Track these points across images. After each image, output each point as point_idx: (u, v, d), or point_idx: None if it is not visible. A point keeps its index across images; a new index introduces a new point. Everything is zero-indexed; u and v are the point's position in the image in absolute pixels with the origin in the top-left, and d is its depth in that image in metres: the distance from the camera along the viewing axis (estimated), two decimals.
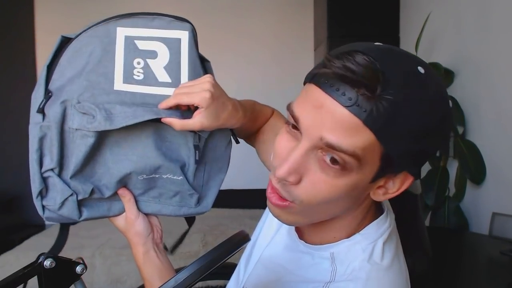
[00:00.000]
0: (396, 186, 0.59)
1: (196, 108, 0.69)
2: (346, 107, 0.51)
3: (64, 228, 0.77)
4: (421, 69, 0.53)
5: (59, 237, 0.76)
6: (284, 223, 0.63)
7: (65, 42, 0.71)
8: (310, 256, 0.67)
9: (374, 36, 2.69)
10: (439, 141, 0.56)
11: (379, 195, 0.59)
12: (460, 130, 2.03)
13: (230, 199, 2.92)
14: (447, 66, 2.15)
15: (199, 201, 0.78)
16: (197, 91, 0.67)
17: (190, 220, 0.85)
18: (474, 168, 1.92)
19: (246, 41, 3.72)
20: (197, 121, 0.68)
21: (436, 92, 0.54)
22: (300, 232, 0.71)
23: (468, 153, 1.93)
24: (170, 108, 0.69)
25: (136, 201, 0.75)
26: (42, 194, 0.69)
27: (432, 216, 2.05)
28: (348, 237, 0.65)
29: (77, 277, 0.71)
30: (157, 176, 0.73)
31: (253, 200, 2.11)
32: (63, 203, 0.69)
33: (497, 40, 1.84)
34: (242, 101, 0.79)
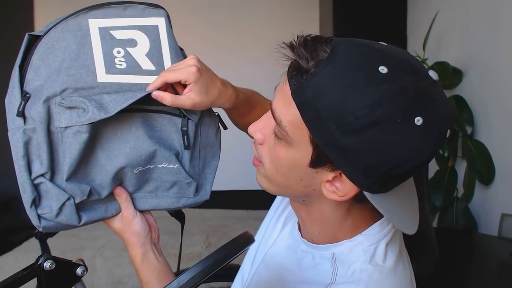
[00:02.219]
0: (345, 188, 0.57)
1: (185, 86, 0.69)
2: (288, 79, 0.56)
3: (43, 241, 0.73)
4: (383, 69, 0.52)
5: (42, 251, 0.72)
6: (259, 185, 0.67)
7: (33, 40, 0.67)
8: (311, 256, 0.67)
9: (380, 35, 2.65)
10: (380, 150, 0.52)
11: (328, 192, 0.59)
12: (469, 130, 2.01)
13: (234, 200, 2.92)
14: (455, 65, 2.13)
15: (197, 190, 0.76)
16: (182, 67, 0.68)
17: (180, 217, 0.83)
18: (483, 169, 1.90)
19: (249, 40, 3.70)
20: (188, 97, 0.68)
21: (383, 92, 0.51)
22: (303, 231, 0.71)
23: (476, 153, 1.91)
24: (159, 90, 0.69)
25: (132, 199, 0.73)
26: (36, 203, 0.65)
27: (440, 217, 2.03)
28: (350, 238, 0.64)
29: (78, 279, 0.70)
30: (152, 166, 0.71)
31: (257, 201, 2.09)
32: (60, 209, 0.66)
33: (506, 39, 1.82)
34: (238, 87, 0.78)
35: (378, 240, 0.63)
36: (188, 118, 0.72)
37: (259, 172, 0.66)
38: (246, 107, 0.79)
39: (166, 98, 0.68)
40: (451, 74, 2.06)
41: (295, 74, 0.55)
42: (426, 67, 1.92)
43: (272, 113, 0.59)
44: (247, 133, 0.89)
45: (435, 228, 1.83)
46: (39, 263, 0.66)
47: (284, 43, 0.56)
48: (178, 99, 0.68)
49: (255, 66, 3.68)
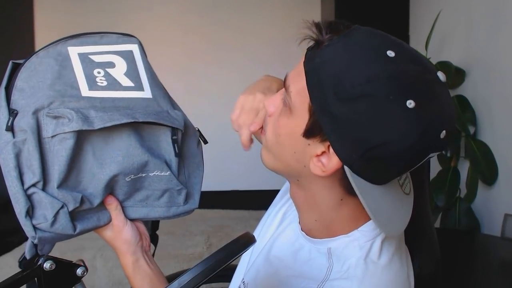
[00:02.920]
0: (329, 164, 0.58)
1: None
2: (307, 51, 0.59)
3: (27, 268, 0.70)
4: (390, 53, 0.54)
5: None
6: (262, 160, 0.70)
7: (15, 67, 0.71)
8: (307, 249, 0.68)
9: None
10: (368, 124, 0.54)
11: (314, 166, 0.60)
12: (472, 130, 2.00)
13: (235, 200, 2.91)
14: (458, 65, 2.12)
15: (187, 198, 0.78)
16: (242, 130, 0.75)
17: (154, 239, 0.83)
18: (486, 169, 1.89)
19: (251, 39, 3.69)
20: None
21: (384, 69, 0.53)
22: (301, 222, 0.71)
23: (479, 153, 1.91)
24: (153, 111, 0.73)
25: (123, 208, 0.74)
26: (29, 214, 0.66)
27: (442, 218, 2.02)
28: (346, 233, 0.64)
29: (78, 279, 0.70)
30: (144, 175, 0.73)
31: (258, 201, 2.09)
32: (55, 217, 0.66)
33: (509, 38, 1.81)
34: (260, 84, 0.81)
35: (374, 236, 0.63)
36: (177, 128, 0.75)
37: (263, 145, 0.69)
38: None
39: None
40: (454, 74, 2.06)
41: (312, 46, 0.59)
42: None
43: (285, 80, 0.63)
44: None
45: (438, 229, 1.82)
46: (39, 263, 0.66)
47: (308, 21, 0.59)
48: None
49: (258, 65, 3.68)
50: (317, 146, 0.59)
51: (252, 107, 0.76)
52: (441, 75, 0.55)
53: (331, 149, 0.57)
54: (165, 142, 0.74)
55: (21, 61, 0.71)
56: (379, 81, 0.52)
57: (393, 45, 0.56)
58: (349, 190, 0.59)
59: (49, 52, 0.71)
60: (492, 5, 1.93)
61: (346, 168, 0.57)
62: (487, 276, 1.39)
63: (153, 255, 0.81)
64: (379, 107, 0.53)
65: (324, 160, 0.59)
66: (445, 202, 1.94)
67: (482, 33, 2.03)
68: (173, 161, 0.75)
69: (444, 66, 2.05)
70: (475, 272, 1.41)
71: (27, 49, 3.58)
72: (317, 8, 3.64)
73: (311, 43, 0.59)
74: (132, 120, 0.69)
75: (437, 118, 0.54)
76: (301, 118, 0.59)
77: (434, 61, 2.14)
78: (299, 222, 0.72)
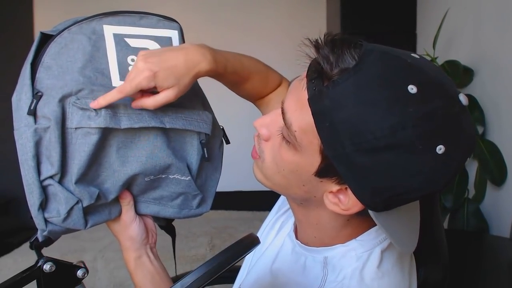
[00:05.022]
0: (348, 203, 0.55)
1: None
2: (307, 81, 0.52)
3: (39, 250, 0.69)
4: (412, 88, 0.48)
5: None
6: (255, 176, 0.65)
7: (44, 39, 0.66)
8: (303, 258, 0.66)
9: (389, 33, 2.64)
10: (393, 174, 0.49)
11: (330, 203, 0.56)
12: (480, 130, 1.99)
13: (238, 201, 2.90)
14: (466, 64, 2.10)
15: (200, 203, 0.76)
16: (134, 76, 0.63)
17: (171, 230, 0.82)
18: (495, 169, 1.87)
19: (255, 38, 3.66)
20: (165, 94, 0.64)
21: (408, 115, 0.47)
22: (299, 233, 0.70)
23: (488, 154, 1.89)
24: (170, 106, 0.67)
25: (135, 201, 0.72)
26: (42, 206, 0.63)
27: (450, 219, 2.01)
28: (344, 242, 0.62)
29: (78, 281, 0.69)
30: (163, 176, 0.70)
31: (262, 202, 2.08)
32: (68, 213, 0.63)
33: None
34: (231, 54, 0.73)
35: (373, 246, 0.61)
36: (205, 133, 0.72)
37: (257, 165, 0.64)
38: (238, 77, 0.76)
39: (148, 103, 0.64)
40: (462, 73, 2.04)
41: (316, 78, 0.51)
42: (436, 65, 1.88)
43: (283, 113, 0.56)
44: (256, 105, 0.87)
45: (446, 230, 1.80)
46: (38, 265, 0.65)
47: (308, 39, 0.53)
48: (157, 99, 0.64)
49: None
50: (332, 185, 0.55)
51: (168, 68, 0.62)
52: (463, 99, 0.50)
53: (349, 190, 0.54)
54: (189, 145, 0.72)
55: (51, 32, 0.66)
56: (405, 130, 0.47)
57: (412, 75, 0.49)
58: (359, 212, 0.56)
59: (83, 28, 0.66)
60: (501, 3, 1.91)
61: (370, 211, 0.54)
62: (496, 278, 1.37)
63: (173, 245, 0.81)
64: (406, 158, 0.48)
65: (341, 197, 0.55)
66: (453, 203, 1.92)
67: (490, 31, 2.00)
68: (194, 164, 0.72)
69: (452, 65, 2.03)
70: (484, 274, 1.39)
71: (27, 49, 3.55)
72: (322, 7, 3.61)
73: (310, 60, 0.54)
74: (160, 126, 0.66)
75: (463, 155, 0.51)
76: (311, 158, 0.54)
77: (441, 60, 2.13)
78: (295, 231, 0.71)
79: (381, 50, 0.51)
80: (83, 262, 0.71)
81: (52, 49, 0.65)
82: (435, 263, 0.75)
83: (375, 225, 0.61)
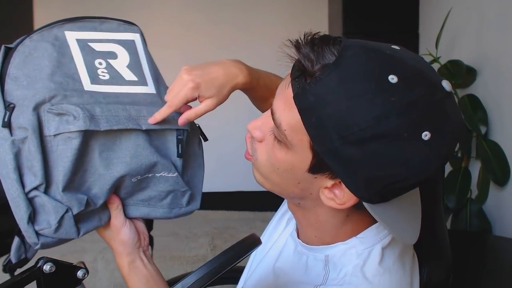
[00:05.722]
0: (344, 197, 0.56)
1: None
2: (291, 80, 0.54)
3: (12, 273, 0.68)
4: (392, 78, 0.49)
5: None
6: (255, 179, 0.66)
7: (7, 52, 0.65)
8: (305, 257, 0.66)
9: (391, 33, 2.63)
10: (383, 164, 0.50)
11: (326, 198, 0.57)
12: (483, 130, 1.98)
13: (239, 201, 2.89)
14: (469, 64, 2.09)
15: (190, 200, 0.76)
16: (179, 89, 0.69)
17: (150, 241, 0.80)
18: (498, 169, 1.87)
19: (257, 38, 3.64)
20: (205, 104, 0.71)
21: (391, 104, 0.48)
22: (300, 233, 0.70)
23: (491, 154, 1.88)
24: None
25: (123, 205, 0.71)
26: (31, 219, 0.62)
27: (453, 219, 2.00)
28: (344, 240, 0.62)
29: (78, 282, 0.69)
30: (150, 175, 0.70)
31: (264, 202, 2.08)
32: (59, 223, 0.63)
33: None
34: (260, 70, 0.80)
35: (374, 243, 0.61)
36: (182, 129, 0.73)
37: (254, 166, 0.65)
38: (268, 91, 0.79)
39: (190, 116, 0.71)
40: (465, 73, 2.04)
41: (299, 76, 0.53)
42: (439, 66, 1.86)
43: (272, 114, 0.58)
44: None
45: (448, 230, 1.80)
46: (38, 265, 0.65)
47: (289, 40, 0.54)
48: (199, 109, 0.71)
49: (263, 64, 3.65)
50: (326, 180, 0.56)
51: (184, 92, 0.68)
52: (446, 85, 0.51)
53: (343, 184, 0.54)
54: (171, 142, 0.72)
55: (12, 45, 0.66)
56: (389, 119, 0.48)
57: (392, 65, 0.51)
58: (356, 207, 0.57)
59: (44, 35, 0.66)
60: (504, 2, 1.90)
61: (365, 203, 0.55)
62: (499, 278, 1.37)
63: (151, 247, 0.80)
64: (393, 146, 0.49)
65: (337, 191, 0.56)
66: (455, 203, 1.92)
67: (494, 31, 2.00)
68: (178, 161, 0.73)
69: (455, 65, 2.03)
70: (486, 274, 1.39)
71: None
72: (324, 7, 3.60)
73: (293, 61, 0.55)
74: (137, 128, 0.66)
75: (452, 139, 0.52)
76: (303, 155, 0.55)
77: (444, 59, 2.12)
78: (297, 231, 0.71)
79: (360, 44, 0.53)
80: (83, 263, 0.70)
81: (16, 59, 0.64)
82: (438, 263, 0.75)
83: (376, 221, 0.62)
